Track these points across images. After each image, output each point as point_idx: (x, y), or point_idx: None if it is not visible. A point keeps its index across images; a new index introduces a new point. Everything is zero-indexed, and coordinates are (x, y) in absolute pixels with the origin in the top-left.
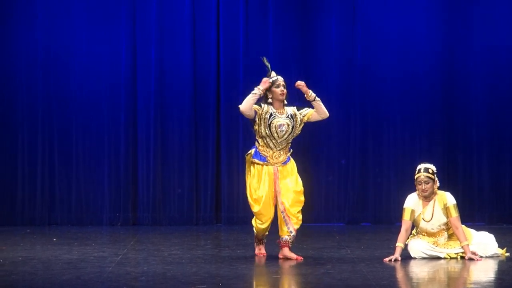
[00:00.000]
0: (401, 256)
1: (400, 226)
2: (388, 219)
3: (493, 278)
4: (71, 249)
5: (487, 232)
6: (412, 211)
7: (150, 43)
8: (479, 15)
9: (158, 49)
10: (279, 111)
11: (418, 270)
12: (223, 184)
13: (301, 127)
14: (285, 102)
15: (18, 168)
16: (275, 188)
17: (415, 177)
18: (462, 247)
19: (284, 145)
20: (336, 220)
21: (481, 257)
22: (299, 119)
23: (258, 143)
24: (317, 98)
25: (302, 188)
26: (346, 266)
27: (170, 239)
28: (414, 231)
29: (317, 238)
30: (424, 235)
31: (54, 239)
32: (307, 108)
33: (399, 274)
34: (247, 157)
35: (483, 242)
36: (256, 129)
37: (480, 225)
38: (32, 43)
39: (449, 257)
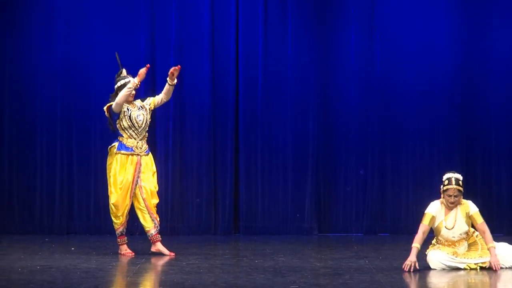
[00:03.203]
0: (417, 258)
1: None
2: (406, 230)
3: None
4: (90, 258)
5: (506, 243)
6: (433, 217)
7: (169, 53)
8: (499, 27)
9: (177, 58)
10: (131, 105)
11: (437, 281)
12: (241, 194)
13: (150, 115)
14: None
15: (37, 177)
16: (134, 176)
17: (445, 188)
18: (488, 248)
19: (143, 134)
20: (354, 230)
21: (501, 267)
22: (147, 108)
23: (122, 136)
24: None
25: (158, 189)
26: (364, 277)
27: (188, 248)
28: (434, 241)
29: (336, 248)
30: (444, 245)
31: (73, 248)
32: (149, 98)
33: (418, 285)
34: (111, 150)
35: (502, 254)
36: (119, 124)
37: (499, 236)
38: (51, 54)
39: (469, 268)
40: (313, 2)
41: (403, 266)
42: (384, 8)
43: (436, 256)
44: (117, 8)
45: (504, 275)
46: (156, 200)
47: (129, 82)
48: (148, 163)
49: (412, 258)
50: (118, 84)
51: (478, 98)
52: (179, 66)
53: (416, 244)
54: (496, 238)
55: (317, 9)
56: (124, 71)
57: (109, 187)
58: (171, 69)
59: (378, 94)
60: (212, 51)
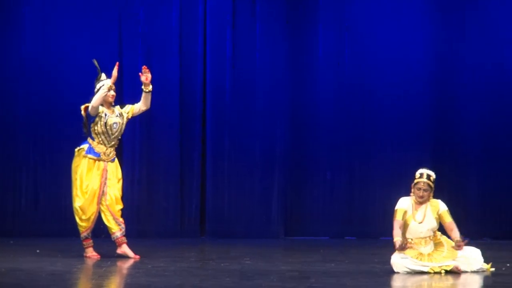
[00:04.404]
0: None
1: (384, 240)
2: (373, 234)
3: None
4: (55, 261)
5: (473, 247)
6: (405, 212)
7: (137, 56)
8: (471, 28)
9: (145, 62)
10: (109, 111)
11: (402, 285)
12: (208, 197)
13: (126, 123)
14: (113, 103)
15: (3, 179)
16: (101, 183)
17: (416, 181)
18: (454, 241)
19: (114, 142)
20: (321, 234)
21: (466, 271)
22: (125, 117)
23: (93, 140)
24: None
25: (122, 195)
26: (331, 280)
27: (155, 251)
28: None
29: (302, 251)
30: (410, 242)
31: (38, 251)
32: (128, 105)
33: None
34: (79, 152)
35: (469, 257)
36: (93, 127)
37: (466, 240)
38: (19, 54)
39: (432, 271)
40: (282, 5)
41: (397, 248)
42: (354, 12)
43: (400, 260)
44: (86, 10)
45: (470, 279)
46: (120, 206)
47: (105, 84)
48: (114, 170)
49: (399, 243)
50: (98, 87)
51: (449, 105)
52: (144, 66)
53: (397, 238)
54: None
55: (286, 12)
56: (103, 75)
57: (74, 189)
58: (141, 76)
59: (347, 98)
60: (180, 55)
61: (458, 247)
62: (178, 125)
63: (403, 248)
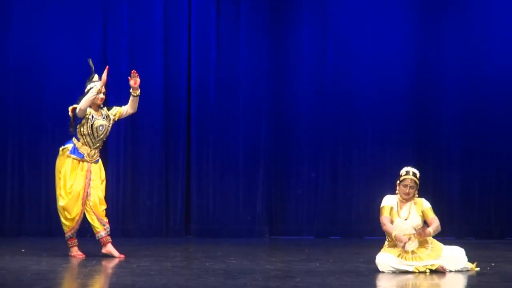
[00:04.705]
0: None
1: (368, 239)
2: (357, 233)
3: None
4: (40, 260)
5: (457, 246)
6: (391, 208)
7: (121, 54)
8: (451, 32)
9: (129, 61)
10: (97, 113)
11: (387, 284)
12: (193, 196)
13: (111, 125)
14: (101, 105)
15: None
16: (86, 184)
17: (402, 178)
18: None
19: (99, 144)
20: (305, 233)
21: (450, 271)
22: (111, 119)
23: (78, 141)
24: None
25: (105, 194)
26: (315, 279)
27: (140, 250)
28: (385, 243)
29: (287, 251)
30: (395, 244)
31: (23, 250)
32: (115, 107)
33: None
34: (63, 151)
35: (454, 256)
36: (79, 128)
37: (450, 240)
38: (4, 54)
39: (417, 271)
40: (266, 6)
41: (404, 241)
42: (337, 12)
43: (385, 259)
44: (71, 10)
45: (455, 278)
46: (104, 206)
47: (93, 87)
48: (98, 171)
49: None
50: (88, 87)
51: (431, 103)
52: (133, 71)
53: (395, 232)
54: (447, 242)
55: (270, 12)
56: (96, 76)
57: (57, 188)
58: (130, 80)
59: (330, 97)
60: (164, 54)
61: (418, 234)
62: (162, 124)
63: (406, 240)
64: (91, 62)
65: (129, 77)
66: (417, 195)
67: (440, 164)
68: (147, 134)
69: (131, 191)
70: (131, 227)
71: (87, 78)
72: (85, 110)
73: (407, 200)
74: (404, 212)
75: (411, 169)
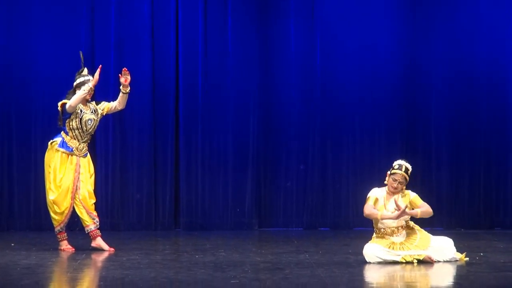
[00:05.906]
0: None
1: (357, 230)
2: (346, 225)
3: (451, 283)
4: (30, 254)
5: (445, 237)
6: (377, 199)
7: (109, 50)
8: (440, 29)
9: (117, 56)
10: (85, 107)
11: (376, 275)
12: (182, 189)
13: (100, 120)
14: (89, 99)
15: None
16: (75, 178)
17: (393, 171)
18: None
19: (88, 138)
20: (294, 225)
21: (438, 261)
22: (99, 113)
23: (67, 134)
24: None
25: (93, 188)
26: (304, 271)
27: (129, 244)
28: (374, 235)
29: (276, 243)
30: (383, 235)
31: (13, 244)
32: (103, 102)
33: (357, 280)
34: (52, 145)
35: (442, 246)
36: (68, 122)
37: (438, 230)
38: None
39: (404, 261)
40: None
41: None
42: (324, 4)
43: (372, 250)
44: (57, 4)
45: (443, 269)
46: (93, 200)
47: (85, 85)
48: (86, 165)
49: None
50: (77, 81)
51: (419, 97)
52: (124, 68)
53: (379, 212)
54: (436, 232)
55: (258, 6)
56: (85, 70)
57: (47, 182)
58: (120, 78)
59: (319, 91)
60: (152, 49)
61: (403, 212)
62: (151, 118)
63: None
64: (81, 55)
65: (119, 75)
66: (404, 189)
67: (429, 157)
68: (135, 128)
69: (120, 185)
70: (120, 220)
71: (75, 72)
72: (75, 107)
73: (394, 193)
74: (391, 205)
75: (404, 164)
